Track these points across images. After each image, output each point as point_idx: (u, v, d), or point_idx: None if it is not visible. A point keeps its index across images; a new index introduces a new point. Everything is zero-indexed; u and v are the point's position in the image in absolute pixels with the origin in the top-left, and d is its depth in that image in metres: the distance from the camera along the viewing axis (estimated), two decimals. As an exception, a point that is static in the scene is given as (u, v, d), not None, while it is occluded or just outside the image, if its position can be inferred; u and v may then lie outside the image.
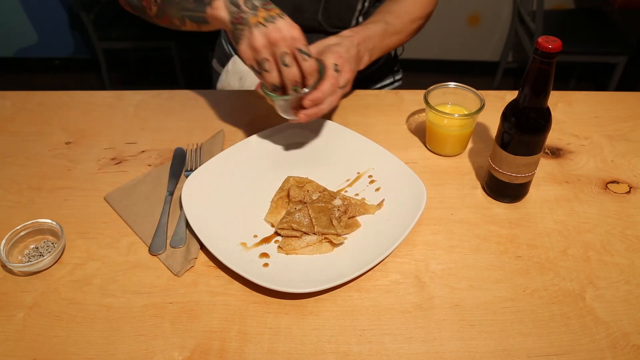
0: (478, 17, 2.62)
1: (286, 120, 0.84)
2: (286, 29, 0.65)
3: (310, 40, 0.96)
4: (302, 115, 0.72)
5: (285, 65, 0.66)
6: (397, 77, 1.15)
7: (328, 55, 0.73)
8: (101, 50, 2.41)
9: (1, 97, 0.99)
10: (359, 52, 0.78)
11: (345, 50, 0.75)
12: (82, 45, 2.83)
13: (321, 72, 0.71)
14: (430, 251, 0.69)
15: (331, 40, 0.77)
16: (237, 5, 0.67)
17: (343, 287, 0.65)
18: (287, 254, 0.68)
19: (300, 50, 0.66)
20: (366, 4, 0.95)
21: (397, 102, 0.96)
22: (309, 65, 0.67)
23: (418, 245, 0.70)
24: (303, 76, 0.69)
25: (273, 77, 0.67)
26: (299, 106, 0.72)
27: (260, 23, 0.65)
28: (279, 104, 0.73)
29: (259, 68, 0.67)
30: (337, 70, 0.71)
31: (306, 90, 0.70)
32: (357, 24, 0.99)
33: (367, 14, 0.99)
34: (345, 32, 0.80)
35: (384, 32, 0.84)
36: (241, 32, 0.67)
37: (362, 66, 0.80)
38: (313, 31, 0.96)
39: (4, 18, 2.69)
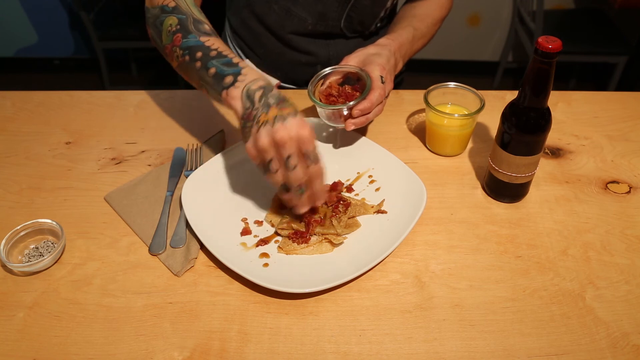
0: (478, 17, 2.62)
1: None
2: (294, 129, 0.60)
3: (329, 45, 0.98)
4: (349, 124, 0.74)
5: (290, 168, 0.61)
6: (402, 69, 1.15)
7: (373, 67, 0.75)
8: (101, 50, 2.40)
9: (1, 97, 1.00)
10: (396, 60, 0.82)
11: (386, 60, 0.78)
12: (82, 45, 2.83)
13: (367, 82, 0.74)
14: (430, 251, 0.69)
15: (370, 49, 0.80)
16: (252, 101, 0.64)
17: (343, 287, 0.65)
18: (287, 254, 0.68)
19: (307, 155, 0.62)
20: (388, 12, 0.96)
21: (397, 102, 0.96)
22: (315, 171, 0.63)
23: (418, 245, 0.70)
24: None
25: (277, 177, 0.63)
26: (345, 115, 0.75)
27: (269, 122, 0.61)
28: (326, 113, 0.76)
29: (264, 168, 0.64)
30: (383, 82, 0.74)
31: (351, 103, 0.73)
32: (376, 29, 0.99)
33: (384, 20, 1.00)
34: (382, 40, 0.82)
35: (413, 37, 0.87)
36: (250, 130, 0.63)
37: (397, 72, 0.84)
38: (333, 36, 0.97)
39: (4, 18, 2.69)
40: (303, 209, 0.67)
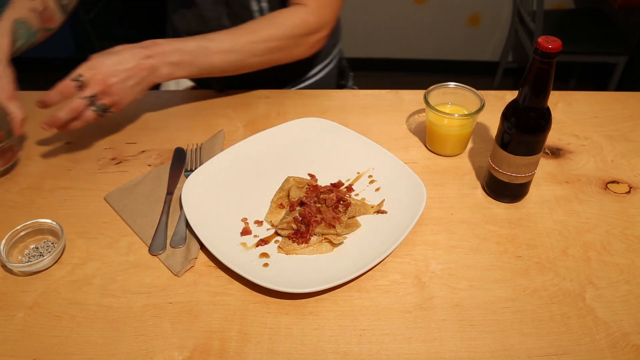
0: (478, 17, 2.62)
1: (285, 120, 0.86)
2: None
3: None
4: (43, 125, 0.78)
5: None
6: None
7: (83, 65, 0.77)
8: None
9: (1, 97, 0.99)
10: (152, 65, 0.80)
11: (113, 62, 0.77)
12: (82, 45, 2.83)
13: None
14: (430, 251, 0.69)
15: (117, 48, 0.79)
16: None
17: (343, 287, 0.65)
18: (287, 254, 0.68)
19: None
20: (263, 5, 0.93)
21: (397, 102, 0.96)
22: None
23: (418, 245, 0.70)
24: None
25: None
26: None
27: None
28: None
29: None
30: (78, 80, 0.76)
31: None
32: None
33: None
34: (146, 42, 0.81)
35: (201, 48, 0.83)
36: None
37: (159, 79, 0.82)
38: None
39: (4, 18, 2.69)
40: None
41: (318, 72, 1.06)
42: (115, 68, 0.77)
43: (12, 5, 0.85)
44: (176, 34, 1.02)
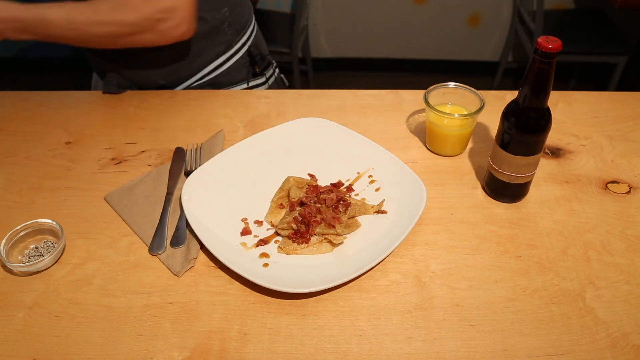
0: (478, 17, 2.62)
1: (285, 120, 0.86)
2: None
3: None
4: None
5: None
6: (257, 82, 1.11)
7: None
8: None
9: (1, 97, 1.00)
10: None
11: None
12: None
13: None
14: (430, 251, 0.69)
15: None
16: None
17: (343, 287, 0.65)
18: (287, 254, 0.68)
19: None
20: None
21: (397, 102, 0.96)
22: None
23: (418, 245, 0.70)
24: None
25: None
26: None
27: None
28: None
29: None
30: None
31: None
32: None
33: None
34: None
35: (40, 21, 0.83)
36: None
37: (7, 38, 0.84)
38: None
39: (4, 18, 2.69)
40: None
41: (225, 62, 1.05)
42: None
43: None
44: None
